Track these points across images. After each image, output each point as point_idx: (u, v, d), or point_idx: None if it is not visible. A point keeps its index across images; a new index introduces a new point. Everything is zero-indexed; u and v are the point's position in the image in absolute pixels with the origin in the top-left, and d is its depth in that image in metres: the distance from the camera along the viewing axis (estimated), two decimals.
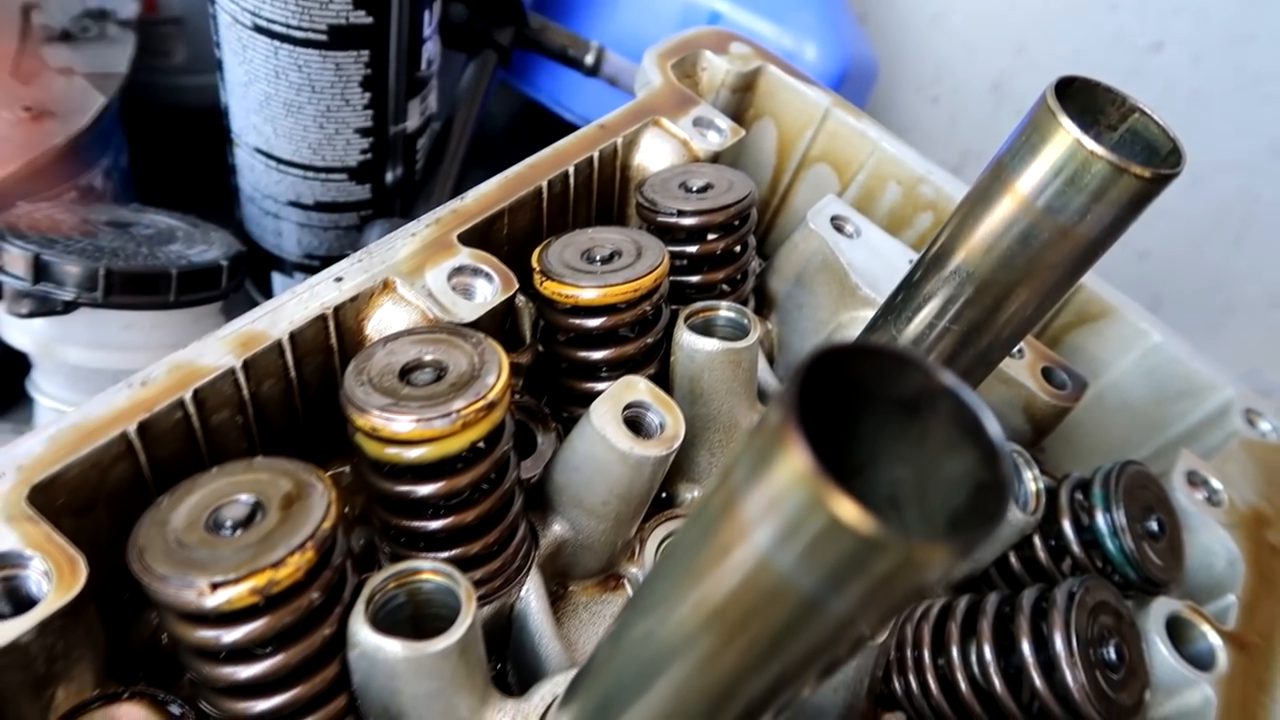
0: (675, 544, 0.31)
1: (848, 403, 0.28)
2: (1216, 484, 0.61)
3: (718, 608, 0.28)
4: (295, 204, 0.83)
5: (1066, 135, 0.40)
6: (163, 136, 0.99)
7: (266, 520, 0.39)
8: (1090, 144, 0.40)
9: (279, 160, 0.80)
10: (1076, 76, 0.43)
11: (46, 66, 0.79)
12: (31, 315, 0.63)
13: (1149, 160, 0.42)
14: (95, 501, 0.41)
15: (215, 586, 0.36)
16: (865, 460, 0.29)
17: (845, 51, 1.05)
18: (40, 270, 0.61)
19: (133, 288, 0.62)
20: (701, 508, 0.29)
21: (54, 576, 0.36)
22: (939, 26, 1.48)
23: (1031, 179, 0.42)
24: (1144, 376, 0.71)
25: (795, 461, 0.23)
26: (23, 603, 0.36)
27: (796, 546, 0.24)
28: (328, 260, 0.86)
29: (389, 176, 0.84)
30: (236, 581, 0.36)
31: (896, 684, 0.55)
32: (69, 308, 0.62)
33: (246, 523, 0.39)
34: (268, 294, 0.92)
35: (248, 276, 0.91)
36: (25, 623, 0.34)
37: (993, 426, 0.26)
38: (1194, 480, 0.61)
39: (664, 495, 0.61)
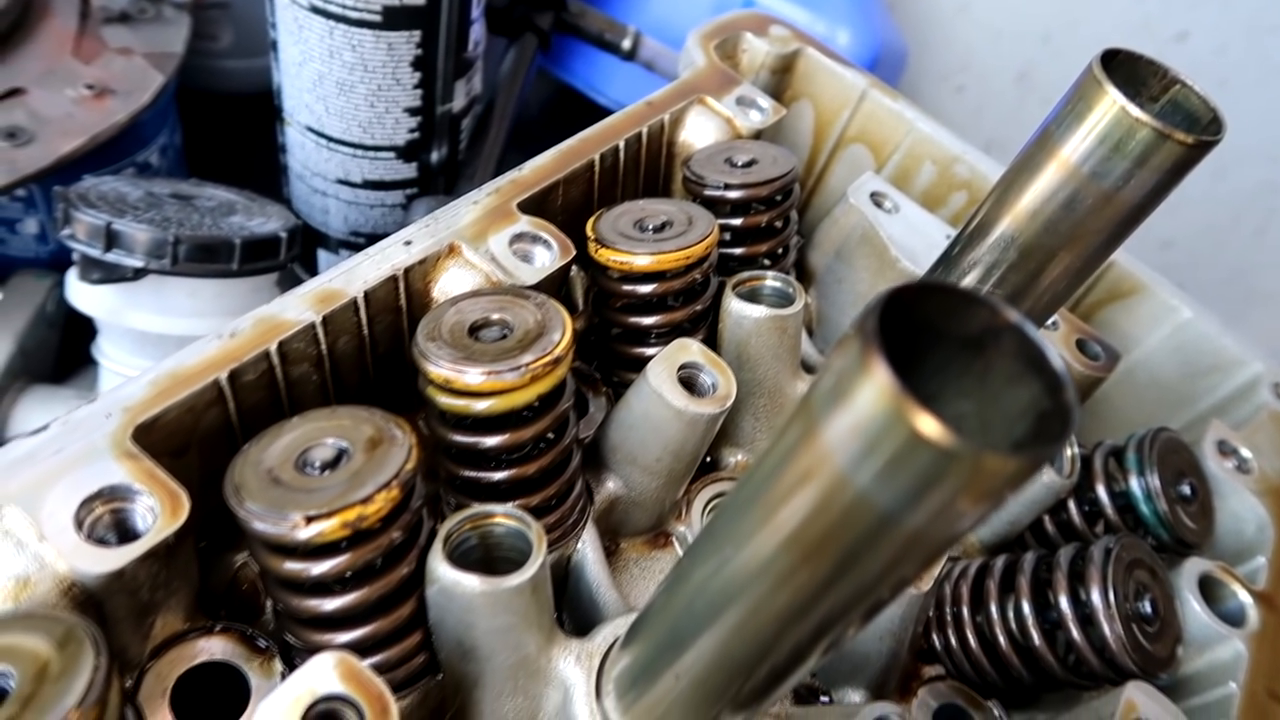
0: (749, 477, 0.33)
1: (913, 341, 0.30)
2: (1246, 453, 0.63)
3: (796, 531, 0.30)
4: (344, 182, 0.85)
5: (1113, 103, 0.42)
6: (208, 120, 1.01)
7: (353, 462, 0.41)
8: (1135, 111, 0.42)
9: (330, 138, 0.82)
10: (1121, 49, 0.44)
11: (107, 46, 0.82)
12: (102, 281, 0.65)
13: (1191, 129, 0.44)
14: (189, 445, 0.43)
15: (309, 520, 0.38)
16: (929, 396, 0.31)
17: (876, 38, 1.07)
18: (111, 238, 0.64)
19: (199, 256, 0.65)
20: (775, 441, 0.31)
21: (159, 509, 0.38)
22: (966, 15, 1.50)
23: (1077, 146, 0.44)
24: (1174, 352, 0.73)
25: (879, 381, 0.25)
26: (128, 535, 0.38)
27: (877, 462, 0.26)
28: (373, 237, 0.88)
29: (434, 156, 0.86)
30: (328, 515, 0.38)
31: (936, 640, 0.57)
32: (138, 275, 0.65)
33: (334, 464, 0.41)
34: (313, 270, 0.95)
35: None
36: (135, 550, 0.37)
37: (1056, 359, 0.28)
38: (1224, 450, 0.63)
39: (709, 460, 0.63)
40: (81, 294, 0.68)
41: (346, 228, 0.89)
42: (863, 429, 0.27)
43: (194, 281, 0.67)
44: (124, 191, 0.70)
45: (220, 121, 1.04)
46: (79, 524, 0.37)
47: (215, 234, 0.66)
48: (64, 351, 0.82)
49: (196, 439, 0.43)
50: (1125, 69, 0.45)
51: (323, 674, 0.35)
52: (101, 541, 0.37)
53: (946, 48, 1.51)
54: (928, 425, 0.25)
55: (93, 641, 0.33)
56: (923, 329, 0.30)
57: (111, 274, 0.65)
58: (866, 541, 0.29)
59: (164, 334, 0.68)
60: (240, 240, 0.66)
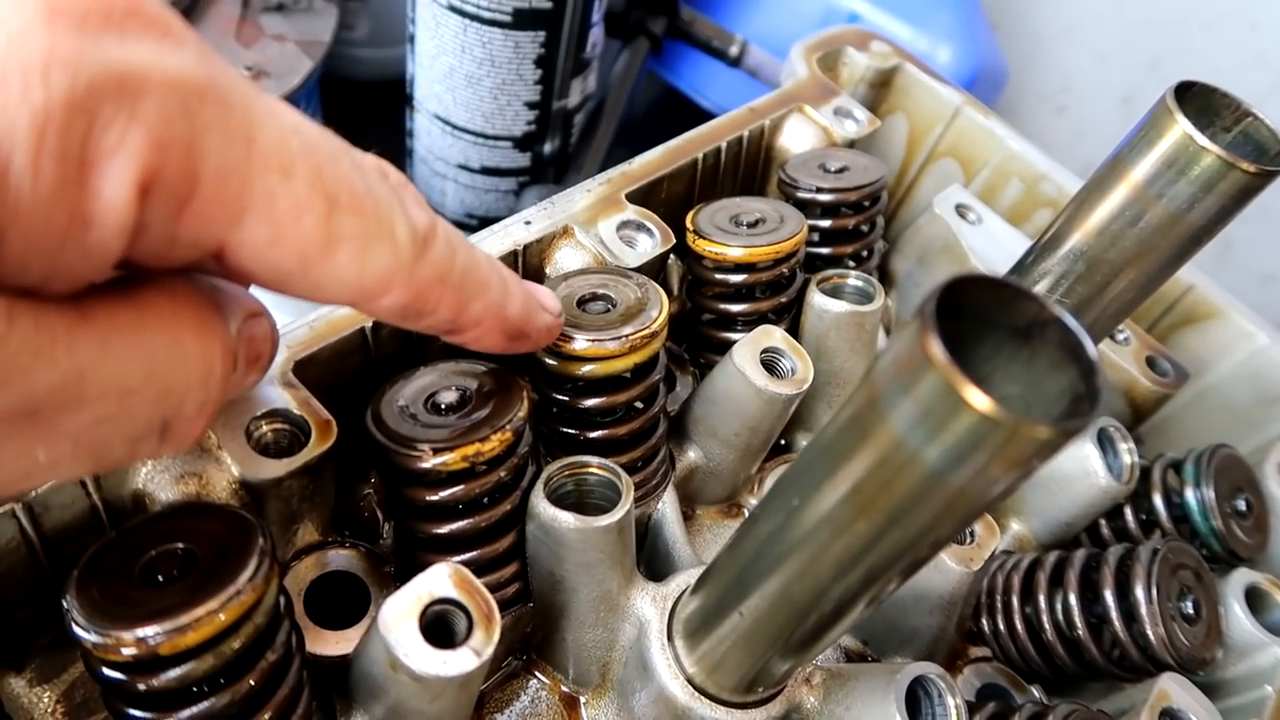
0: (818, 438, 0.38)
1: (970, 330, 0.35)
2: None
3: (855, 485, 0.35)
4: (464, 167, 0.92)
5: (1181, 132, 0.46)
6: (341, 103, 1.10)
7: (473, 407, 0.47)
8: (1202, 140, 0.45)
9: (455, 126, 0.89)
10: (1195, 81, 0.48)
11: (263, 33, 0.91)
12: None
13: (1259, 159, 0.47)
14: (335, 385, 0.50)
15: (435, 451, 0.45)
16: (981, 380, 0.36)
17: (978, 56, 1.10)
18: None
19: None
20: (842, 407, 0.36)
21: (313, 432, 0.45)
22: (1071, 37, 1.50)
23: (1147, 169, 0.48)
24: (1248, 378, 0.75)
25: (933, 356, 0.30)
26: (286, 451, 0.45)
27: (928, 427, 0.31)
28: (485, 220, 0.95)
29: (547, 148, 0.93)
30: (451, 449, 0.45)
31: (985, 624, 0.61)
32: None
33: (457, 407, 0.47)
34: None
35: None
36: (293, 463, 0.44)
37: (1092, 348, 0.32)
38: None
39: (783, 442, 0.68)
40: None
41: (462, 209, 0.97)
42: (917, 398, 0.31)
43: None
44: None
45: (351, 105, 1.13)
46: (248, 437, 0.44)
47: None
48: None
49: (341, 380, 0.50)
50: (1200, 100, 0.48)
51: (440, 580, 0.41)
52: (265, 453, 0.44)
53: (1049, 68, 1.52)
54: (973, 395, 0.30)
55: (260, 529, 0.39)
56: (979, 319, 0.35)
57: None
58: (915, 497, 0.34)
59: None
60: None
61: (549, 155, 0.94)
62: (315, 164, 0.31)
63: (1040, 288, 0.55)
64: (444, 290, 0.36)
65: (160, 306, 0.30)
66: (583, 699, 0.53)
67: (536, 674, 0.54)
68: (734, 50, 1.05)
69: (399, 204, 0.34)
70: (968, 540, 0.54)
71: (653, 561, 0.59)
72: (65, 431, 0.27)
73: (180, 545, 0.39)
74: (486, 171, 0.93)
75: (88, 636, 0.36)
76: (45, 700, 0.44)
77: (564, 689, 0.54)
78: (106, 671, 0.37)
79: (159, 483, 0.43)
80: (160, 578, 0.38)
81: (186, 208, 0.28)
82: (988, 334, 0.35)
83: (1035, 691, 0.59)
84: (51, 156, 0.23)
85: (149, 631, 0.35)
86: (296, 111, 0.32)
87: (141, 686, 0.37)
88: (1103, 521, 0.64)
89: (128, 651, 0.35)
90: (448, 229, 0.37)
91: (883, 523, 0.35)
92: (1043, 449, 0.31)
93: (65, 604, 0.36)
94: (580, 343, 0.51)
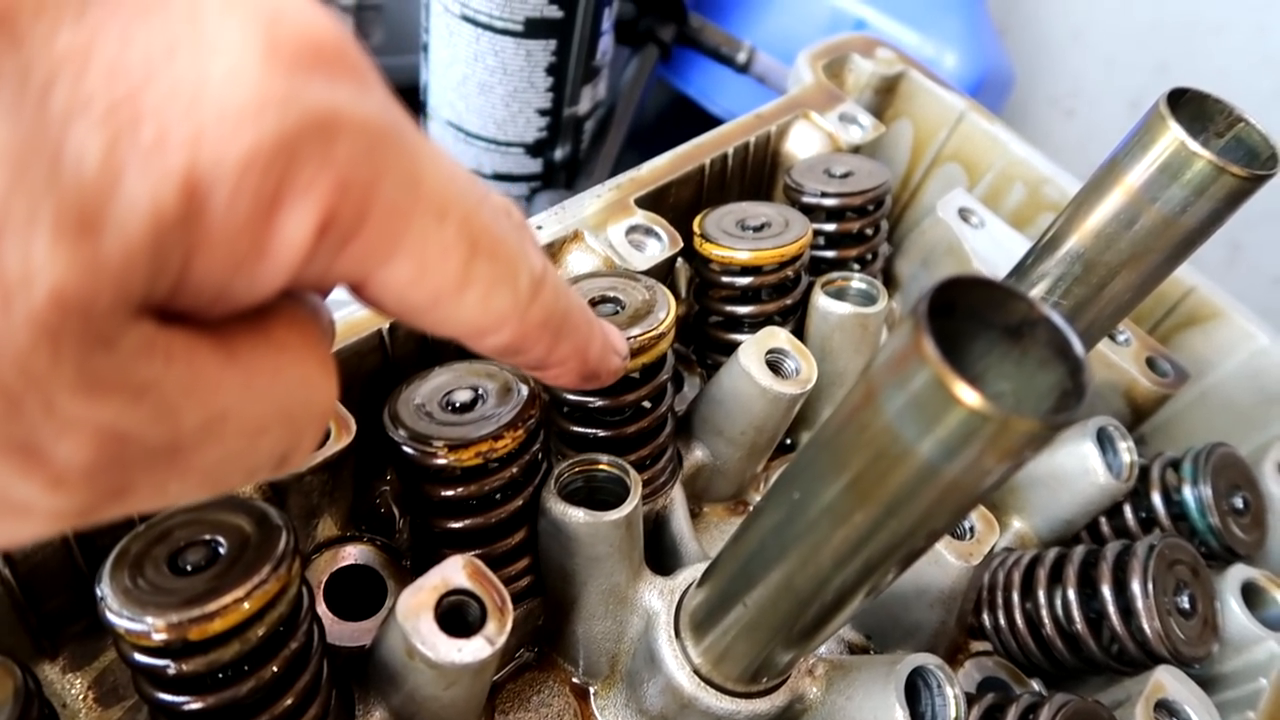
0: (818, 433, 0.39)
1: (964, 329, 0.36)
2: None
3: (854, 477, 0.37)
4: (477, 173, 0.94)
5: (1174, 137, 0.47)
6: None
7: (487, 405, 0.49)
8: (1194, 145, 0.46)
9: (468, 133, 0.91)
10: (1189, 88, 0.49)
11: None
12: None
13: (1250, 164, 0.49)
14: (353, 384, 0.52)
15: (451, 448, 0.46)
16: (975, 377, 0.37)
17: (984, 61, 1.11)
18: None
19: None
20: (842, 402, 0.38)
21: (332, 429, 0.47)
22: (1079, 42, 1.51)
23: (1141, 174, 0.49)
24: (1249, 378, 0.76)
25: (926, 354, 0.32)
26: None
27: (922, 421, 0.33)
28: None
29: (558, 154, 0.94)
30: (465, 446, 0.46)
31: (986, 619, 0.62)
32: None
33: (471, 406, 0.49)
34: None
35: None
36: (314, 458, 0.45)
37: (1079, 347, 0.34)
38: None
39: (788, 442, 0.69)
40: None
41: None
42: (912, 393, 0.33)
43: None
44: None
45: None
46: None
47: None
48: None
49: (359, 380, 0.52)
50: (1193, 106, 0.49)
51: (455, 571, 0.43)
52: None
53: (1058, 72, 1.53)
54: (964, 391, 0.31)
55: (284, 523, 0.41)
56: (972, 318, 0.36)
57: None
58: (910, 488, 0.35)
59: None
60: None
61: (560, 161, 0.95)
62: (466, 209, 0.32)
63: (1039, 289, 0.57)
64: (544, 332, 0.37)
65: (293, 344, 0.30)
66: (593, 689, 0.55)
67: (548, 666, 0.56)
68: (742, 57, 1.07)
69: (522, 248, 0.35)
70: (967, 536, 0.55)
71: (661, 557, 0.60)
72: (197, 466, 0.27)
73: (207, 537, 0.41)
74: (499, 177, 0.94)
75: (121, 622, 0.37)
76: (77, 686, 0.46)
77: (574, 680, 0.55)
78: (138, 656, 0.39)
79: None
80: (189, 568, 0.40)
81: (350, 244, 0.28)
82: (981, 333, 0.36)
83: (1035, 685, 0.60)
84: (249, 194, 0.24)
85: (178, 618, 0.37)
86: (449, 155, 0.33)
87: (171, 671, 0.39)
88: (1103, 519, 0.65)
89: (158, 637, 0.37)
90: (555, 272, 0.39)
91: (880, 514, 0.37)
92: (1031, 442, 0.32)
93: (99, 591, 0.38)
94: None
